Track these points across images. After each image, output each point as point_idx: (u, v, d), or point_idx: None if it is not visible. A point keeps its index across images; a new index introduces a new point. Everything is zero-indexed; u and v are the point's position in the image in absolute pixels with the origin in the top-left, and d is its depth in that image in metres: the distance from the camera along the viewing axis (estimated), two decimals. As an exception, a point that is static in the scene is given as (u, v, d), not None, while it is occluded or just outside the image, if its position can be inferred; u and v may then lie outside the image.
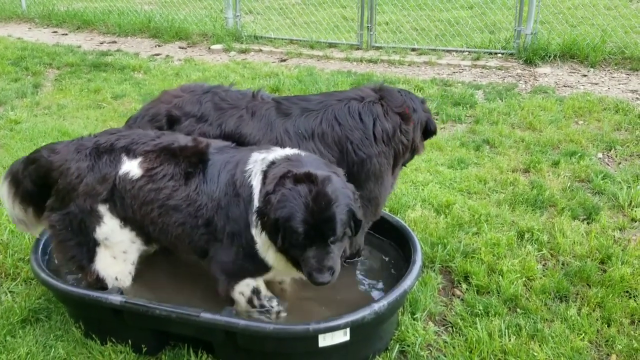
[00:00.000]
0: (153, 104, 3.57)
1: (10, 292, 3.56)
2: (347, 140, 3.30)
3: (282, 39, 10.87)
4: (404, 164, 3.78)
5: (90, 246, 3.10)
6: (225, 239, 2.89)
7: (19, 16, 14.08)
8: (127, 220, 3.05)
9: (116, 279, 3.17)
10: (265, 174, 2.80)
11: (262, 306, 3.01)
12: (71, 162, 3.07)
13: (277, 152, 2.91)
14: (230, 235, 2.87)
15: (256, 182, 2.81)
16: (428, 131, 3.68)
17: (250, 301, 3.00)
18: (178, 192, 2.93)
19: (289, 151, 2.92)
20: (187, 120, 3.39)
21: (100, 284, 3.16)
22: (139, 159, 3.02)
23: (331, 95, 3.53)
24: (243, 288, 2.98)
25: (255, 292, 3.01)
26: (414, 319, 3.27)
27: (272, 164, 2.82)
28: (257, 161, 2.87)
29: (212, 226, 2.90)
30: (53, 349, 3.06)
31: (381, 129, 3.35)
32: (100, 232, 3.06)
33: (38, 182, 3.15)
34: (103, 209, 3.03)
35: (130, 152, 3.05)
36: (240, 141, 3.29)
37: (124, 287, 3.18)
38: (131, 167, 3.01)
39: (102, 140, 3.14)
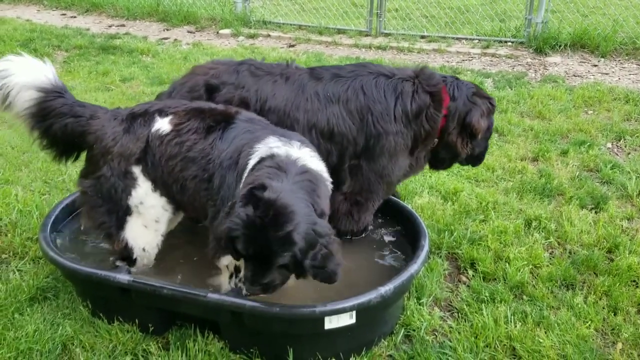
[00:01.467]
0: (188, 78, 3.61)
1: (18, 270, 3.58)
2: (369, 111, 3.34)
3: (291, 25, 10.83)
4: (437, 158, 3.70)
5: (120, 214, 3.12)
6: (218, 201, 2.90)
7: (27, -2, 14.07)
8: (157, 182, 3.07)
9: (143, 249, 3.20)
10: (258, 163, 2.73)
11: (235, 285, 3.04)
12: (107, 128, 3.11)
13: (284, 148, 2.76)
14: (222, 199, 2.88)
15: (250, 164, 2.78)
16: (465, 125, 3.51)
17: (231, 276, 3.07)
18: (197, 145, 2.96)
19: (294, 152, 2.75)
20: (225, 88, 3.47)
21: (127, 252, 3.19)
22: (170, 117, 3.08)
23: (364, 67, 3.55)
24: (229, 260, 2.99)
25: (237, 269, 3.03)
26: (419, 304, 3.28)
27: (270, 157, 2.72)
28: (266, 146, 2.80)
29: (211, 183, 2.91)
30: (60, 327, 3.08)
31: (401, 108, 3.35)
32: (136, 196, 3.08)
33: (68, 136, 3.18)
34: (137, 170, 3.06)
35: (163, 112, 3.10)
36: (273, 102, 3.40)
37: (150, 260, 3.25)
38: (162, 124, 3.06)
39: (136, 107, 3.22)
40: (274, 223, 2.43)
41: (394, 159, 3.41)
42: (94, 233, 3.32)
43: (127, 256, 3.19)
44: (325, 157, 3.28)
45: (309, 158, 2.77)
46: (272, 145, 2.78)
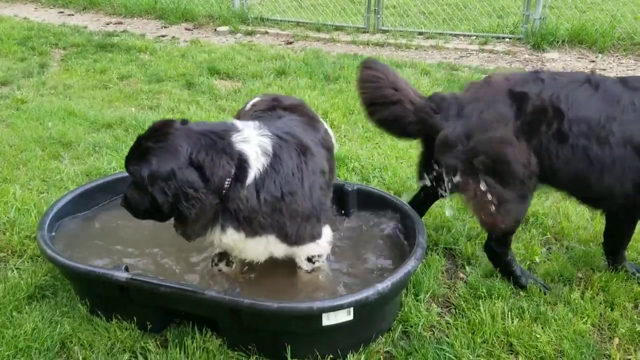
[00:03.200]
0: (485, 88, 3.31)
1: (16, 269, 3.58)
2: None
3: (289, 22, 10.83)
4: None
5: None
6: None
7: (25, -4, 14.04)
8: None
9: None
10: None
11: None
12: None
13: (244, 126, 2.90)
14: None
15: None
16: None
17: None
18: None
19: (246, 130, 2.85)
20: (533, 96, 3.17)
21: None
22: (259, 98, 3.55)
23: None
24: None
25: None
26: (417, 300, 3.28)
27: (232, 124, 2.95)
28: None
29: None
30: (59, 325, 3.09)
31: None
32: None
33: None
34: None
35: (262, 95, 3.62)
36: (586, 112, 3.10)
37: None
38: (253, 101, 3.56)
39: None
40: (149, 136, 2.72)
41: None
42: None
43: None
44: (632, 175, 3.09)
45: (252, 140, 2.79)
46: (245, 123, 2.93)
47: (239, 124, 2.88)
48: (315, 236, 3.03)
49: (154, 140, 2.66)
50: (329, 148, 3.25)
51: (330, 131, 3.50)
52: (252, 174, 2.72)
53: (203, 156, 2.64)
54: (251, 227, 2.82)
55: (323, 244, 3.11)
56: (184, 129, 2.73)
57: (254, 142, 2.78)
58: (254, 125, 2.89)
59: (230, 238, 2.84)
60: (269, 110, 3.29)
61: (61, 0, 13.17)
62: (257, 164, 2.74)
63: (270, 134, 2.85)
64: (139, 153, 2.68)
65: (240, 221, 2.78)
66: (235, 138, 2.76)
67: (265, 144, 2.80)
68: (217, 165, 2.65)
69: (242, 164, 2.72)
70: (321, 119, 3.49)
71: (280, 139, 2.86)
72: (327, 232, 3.12)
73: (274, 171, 2.77)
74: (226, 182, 2.69)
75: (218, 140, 2.72)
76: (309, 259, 3.12)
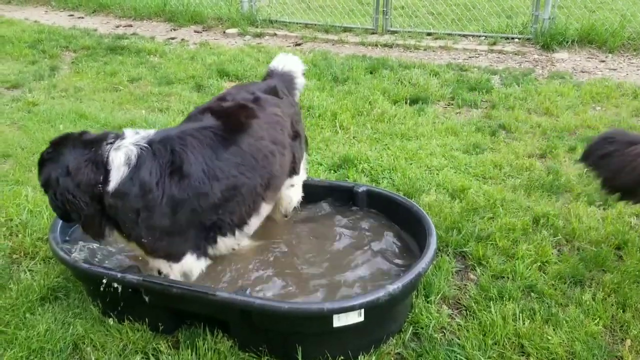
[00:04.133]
0: None
1: (29, 270, 3.61)
2: None
3: (297, 23, 10.84)
4: None
5: None
6: None
7: (35, -1, 14.15)
8: None
9: None
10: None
11: None
12: None
13: (132, 134, 2.96)
14: None
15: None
16: None
17: None
18: None
19: (128, 139, 2.92)
20: None
21: None
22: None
23: None
24: None
25: None
26: (427, 302, 3.28)
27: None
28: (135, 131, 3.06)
29: None
30: (71, 327, 3.11)
31: None
32: None
33: None
34: None
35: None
36: None
37: None
38: None
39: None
40: (47, 149, 2.91)
41: None
42: None
43: None
44: None
45: (121, 148, 2.84)
46: (138, 130, 3.00)
47: (127, 132, 2.94)
48: (170, 256, 3.01)
49: (47, 152, 2.88)
50: (241, 163, 3.05)
51: (263, 142, 3.21)
52: (114, 182, 2.80)
53: (73, 164, 2.79)
54: (124, 232, 2.93)
55: (175, 268, 3.06)
56: (73, 139, 2.90)
57: (122, 151, 2.84)
58: (143, 134, 2.94)
59: (121, 239, 2.99)
60: (201, 112, 3.24)
61: (71, 3, 13.27)
62: (117, 172, 2.81)
63: (145, 144, 2.88)
64: (39, 165, 2.92)
65: (118, 225, 2.91)
66: (109, 146, 2.86)
67: (131, 154, 2.84)
68: (82, 173, 2.79)
69: (106, 171, 2.81)
70: (253, 126, 3.17)
71: (148, 152, 2.86)
72: (188, 261, 3.06)
73: (132, 183, 2.81)
74: (98, 188, 2.80)
75: (90, 149, 2.85)
76: (159, 272, 3.09)
